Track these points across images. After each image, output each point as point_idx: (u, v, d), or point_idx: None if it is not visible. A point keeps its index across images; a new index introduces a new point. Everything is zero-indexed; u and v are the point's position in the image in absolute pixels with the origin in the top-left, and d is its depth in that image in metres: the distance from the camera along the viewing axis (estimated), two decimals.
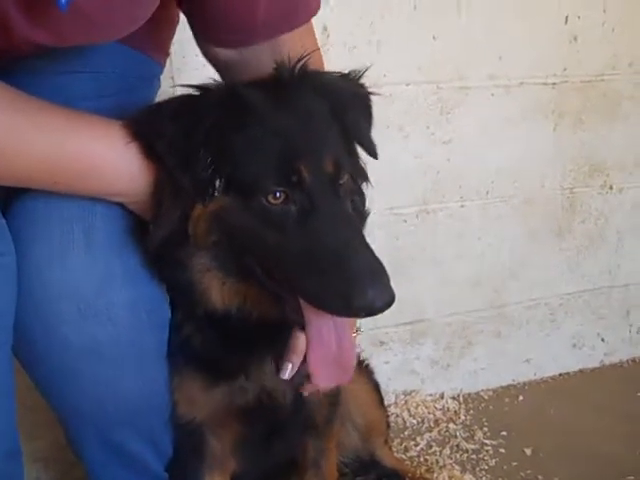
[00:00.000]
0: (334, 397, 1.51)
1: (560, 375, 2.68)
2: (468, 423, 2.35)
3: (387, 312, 2.28)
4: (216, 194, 1.13)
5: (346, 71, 1.30)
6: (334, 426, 1.56)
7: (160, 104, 1.21)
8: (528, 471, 2.09)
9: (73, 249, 1.19)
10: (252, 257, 1.17)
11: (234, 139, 1.14)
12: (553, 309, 2.63)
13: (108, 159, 1.13)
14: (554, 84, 2.41)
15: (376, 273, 1.09)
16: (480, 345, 2.52)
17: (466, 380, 2.51)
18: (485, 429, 2.30)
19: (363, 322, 2.22)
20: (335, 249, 1.09)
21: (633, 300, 2.78)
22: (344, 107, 1.24)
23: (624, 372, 2.74)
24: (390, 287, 1.09)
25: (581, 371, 2.71)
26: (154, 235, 1.15)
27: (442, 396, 2.47)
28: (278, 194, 1.11)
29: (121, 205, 1.22)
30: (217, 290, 1.21)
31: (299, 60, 1.23)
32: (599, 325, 2.74)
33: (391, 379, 2.35)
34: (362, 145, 1.28)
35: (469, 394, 2.51)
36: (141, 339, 1.26)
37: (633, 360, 2.81)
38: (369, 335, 2.32)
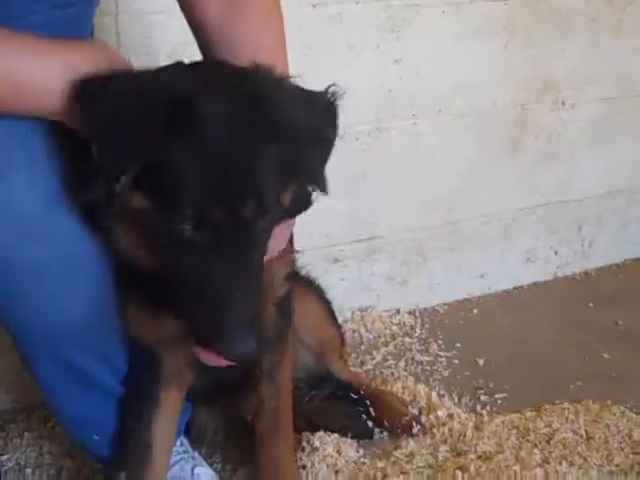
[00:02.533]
0: (284, 311, 1.54)
1: (514, 288, 2.74)
2: (424, 337, 2.41)
3: (342, 229, 2.34)
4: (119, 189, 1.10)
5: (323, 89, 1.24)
6: (286, 339, 1.59)
7: (114, 79, 1.13)
8: (480, 380, 2.17)
9: (14, 170, 1.18)
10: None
11: (169, 147, 1.08)
12: (507, 224, 2.68)
13: (38, 77, 1.12)
14: (505, 0, 2.40)
15: (242, 327, 1.09)
16: (435, 260, 2.57)
17: (421, 295, 2.57)
18: (440, 342, 2.37)
19: (317, 238, 2.30)
20: (218, 293, 1.09)
21: (585, 214, 2.84)
22: (299, 145, 1.17)
23: (576, 284, 2.82)
24: (251, 341, 1.10)
25: (534, 284, 2.78)
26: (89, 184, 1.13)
27: (398, 311, 2.52)
28: (188, 224, 1.09)
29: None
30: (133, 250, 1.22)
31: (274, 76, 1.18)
32: (552, 239, 2.80)
33: (347, 295, 2.39)
34: (312, 184, 1.25)
35: (425, 309, 2.57)
36: (85, 258, 1.27)
37: (585, 272, 2.88)
38: (323, 252, 2.35)
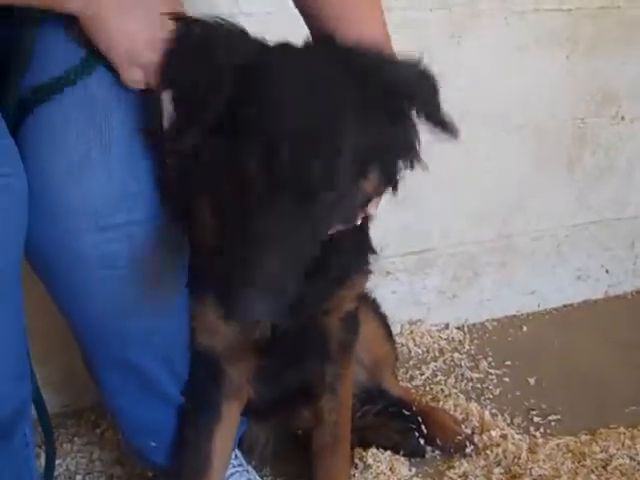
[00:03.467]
0: (350, 325, 1.52)
1: (564, 306, 2.69)
2: (473, 353, 2.37)
3: (394, 241, 2.30)
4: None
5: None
6: (351, 352, 1.57)
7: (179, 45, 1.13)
8: (532, 400, 2.12)
9: (90, 165, 1.18)
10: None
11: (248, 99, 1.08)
12: (559, 241, 2.62)
13: None
14: (569, 10, 2.35)
15: (255, 288, 1.01)
16: (486, 276, 2.53)
17: (471, 310, 2.52)
18: (489, 359, 2.32)
19: None
20: (250, 247, 1.03)
21: (639, 232, 2.78)
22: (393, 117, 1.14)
23: (627, 303, 2.76)
24: (261, 307, 1.02)
25: (585, 302, 2.72)
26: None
27: (447, 326, 2.48)
28: (254, 159, 1.05)
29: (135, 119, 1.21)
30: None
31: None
32: (604, 257, 2.74)
33: (397, 308, 2.35)
34: (406, 160, 1.20)
35: (474, 324, 2.52)
36: (157, 257, 1.27)
37: (637, 291, 2.82)
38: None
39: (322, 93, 1.10)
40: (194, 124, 1.09)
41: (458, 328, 2.49)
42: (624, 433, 1.97)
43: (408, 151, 1.19)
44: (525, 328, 2.55)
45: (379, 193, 1.26)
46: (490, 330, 2.52)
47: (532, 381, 2.21)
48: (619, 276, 2.79)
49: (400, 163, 1.21)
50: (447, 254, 2.45)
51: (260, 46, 1.16)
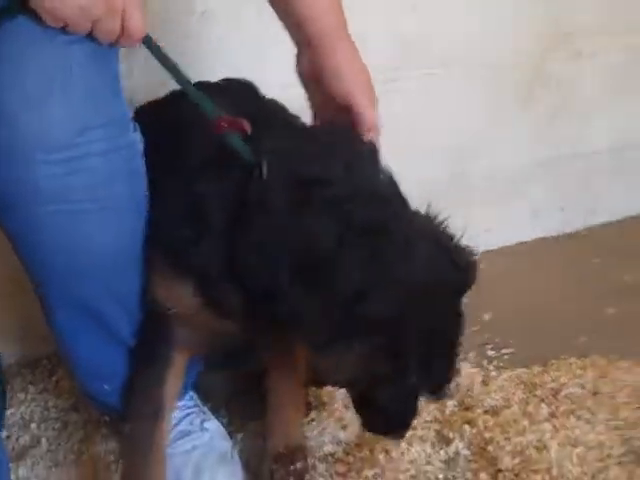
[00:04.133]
0: None
1: (519, 243, 2.72)
2: None
3: None
4: None
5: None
6: None
7: None
8: (486, 335, 2.16)
9: (49, 97, 1.17)
10: None
11: None
12: (514, 178, 2.64)
13: None
14: None
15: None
16: (442, 215, 2.53)
17: None
18: None
19: None
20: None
21: (595, 169, 2.81)
22: None
23: (582, 240, 2.80)
24: None
25: (540, 239, 2.75)
26: None
27: None
28: None
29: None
30: None
31: None
32: (559, 194, 2.77)
33: None
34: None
35: None
36: (117, 190, 1.28)
37: (591, 228, 2.86)
38: None
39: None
40: None
41: None
42: (575, 363, 2.02)
43: None
44: (481, 265, 2.57)
45: None
46: None
47: (487, 317, 2.25)
48: (574, 213, 2.82)
49: None
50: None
51: None
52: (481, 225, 2.62)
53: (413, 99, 2.36)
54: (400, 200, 1.36)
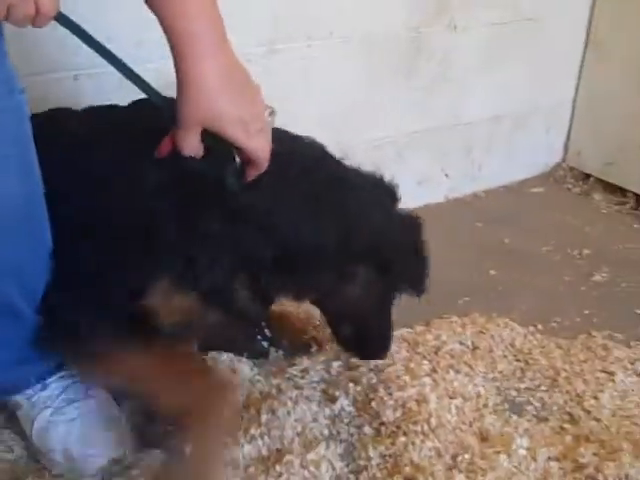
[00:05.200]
0: None
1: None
2: None
3: None
4: None
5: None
6: None
7: None
8: None
9: None
10: None
11: None
12: (399, 147, 2.71)
13: None
14: None
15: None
16: None
17: None
18: None
19: None
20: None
21: (475, 138, 2.91)
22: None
23: (465, 205, 2.91)
24: None
25: (426, 206, 2.83)
26: None
27: None
28: None
29: None
30: None
31: None
32: (443, 162, 2.86)
33: None
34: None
35: None
36: (5, 152, 1.28)
37: (475, 194, 2.97)
38: None
39: None
40: None
41: None
42: (456, 321, 2.11)
43: None
44: None
45: None
46: None
47: None
48: (458, 180, 2.92)
49: None
50: None
51: None
52: None
53: (294, 72, 2.39)
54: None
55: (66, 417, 1.56)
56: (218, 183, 1.38)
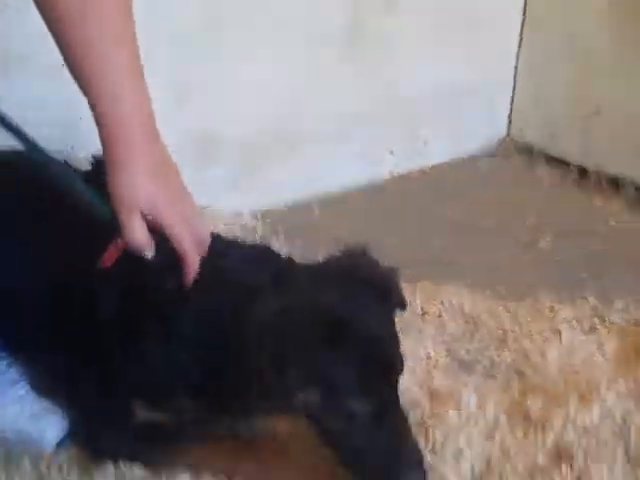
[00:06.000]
0: None
1: (350, 188, 2.80)
2: (266, 238, 2.42)
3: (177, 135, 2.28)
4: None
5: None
6: None
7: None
8: None
9: None
10: None
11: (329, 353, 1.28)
12: (343, 124, 2.72)
13: None
14: None
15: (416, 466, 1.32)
16: (274, 163, 2.58)
17: (261, 196, 2.57)
18: (281, 242, 2.39)
19: None
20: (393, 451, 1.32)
21: (419, 114, 2.93)
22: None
23: (411, 182, 2.92)
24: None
25: (371, 183, 2.84)
26: None
27: (240, 214, 2.52)
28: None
29: None
30: None
31: None
32: (387, 138, 2.88)
33: None
34: None
35: (266, 211, 2.58)
36: None
37: (421, 170, 2.99)
38: None
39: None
40: None
41: (251, 215, 2.54)
42: (404, 288, 2.10)
43: None
44: (316, 211, 2.64)
45: None
46: (281, 214, 2.58)
47: (321, 258, 2.29)
48: (403, 156, 2.94)
49: None
50: (232, 144, 2.49)
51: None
52: (313, 172, 2.69)
53: (236, 54, 2.38)
54: None
55: (15, 396, 1.54)
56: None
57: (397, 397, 1.34)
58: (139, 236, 1.27)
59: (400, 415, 1.34)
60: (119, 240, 1.30)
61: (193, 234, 1.31)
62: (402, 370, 1.36)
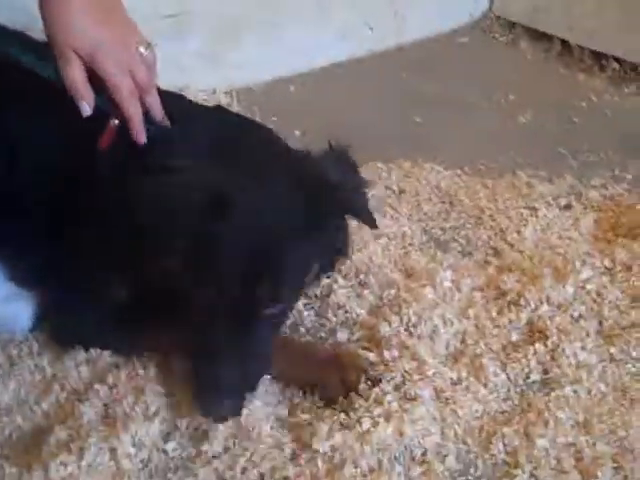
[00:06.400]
0: None
1: (331, 65, 2.72)
2: (242, 112, 2.35)
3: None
4: None
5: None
6: None
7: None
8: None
9: None
10: None
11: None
12: (321, 1, 2.61)
13: None
14: None
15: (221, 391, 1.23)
16: (250, 37, 2.49)
17: (237, 74, 2.49)
18: (257, 118, 2.33)
19: None
20: (212, 356, 1.23)
21: None
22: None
23: (390, 59, 2.83)
24: (228, 408, 1.25)
25: (350, 60, 2.76)
26: None
27: (214, 91, 2.45)
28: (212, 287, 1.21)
29: None
30: None
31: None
32: (366, 14, 2.77)
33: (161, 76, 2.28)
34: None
35: (241, 88, 2.50)
36: None
37: (399, 48, 2.89)
38: None
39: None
40: None
41: (226, 92, 2.46)
42: (381, 167, 2.10)
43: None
44: (292, 88, 2.57)
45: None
46: (257, 92, 2.52)
47: (298, 133, 2.25)
48: (382, 33, 2.84)
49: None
50: (207, 16, 2.38)
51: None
52: (292, 48, 2.59)
53: None
54: None
55: None
56: None
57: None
58: (75, 85, 1.22)
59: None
60: (113, 121, 1.27)
61: (135, 82, 1.27)
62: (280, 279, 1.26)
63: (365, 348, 1.45)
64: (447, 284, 1.62)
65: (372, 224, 1.39)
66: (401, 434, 1.26)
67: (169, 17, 2.30)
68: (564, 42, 2.84)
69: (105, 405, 1.34)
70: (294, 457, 1.25)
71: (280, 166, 1.33)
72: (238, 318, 1.23)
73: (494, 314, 1.55)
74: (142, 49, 1.31)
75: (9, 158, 1.39)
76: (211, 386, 1.24)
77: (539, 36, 2.93)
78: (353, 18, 2.74)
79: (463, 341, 1.49)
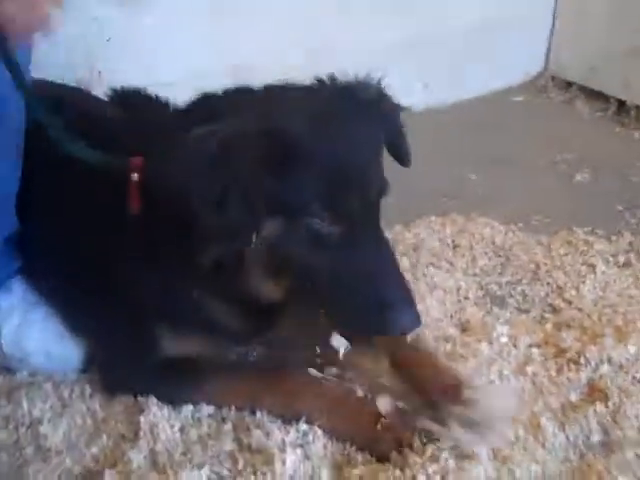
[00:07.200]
0: None
1: None
2: None
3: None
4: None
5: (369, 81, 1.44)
6: None
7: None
8: None
9: None
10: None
11: (280, 176, 1.17)
12: (378, 61, 2.61)
13: None
14: None
15: (406, 301, 1.21)
16: None
17: None
18: None
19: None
20: (372, 276, 1.20)
21: (456, 47, 2.84)
22: (384, 127, 1.39)
23: (447, 114, 2.82)
24: (417, 314, 1.23)
25: (408, 113, 2.74)
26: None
27: None
28: (325, 217, 1.19)
29: None
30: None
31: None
32: (422, 70, 2.79)
33: None
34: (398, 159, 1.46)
35: None
36: None
37: (456, 103, 2.88)
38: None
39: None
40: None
41: None
42: (434, 221, 2.08)
43: None
44: None
45: None
46: None
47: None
48: (437, 89, 2.85)
49: None
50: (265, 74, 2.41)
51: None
52: None
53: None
54: None
55: (38, 317, 1.53)
56: None
57: (376, 217, 1.28)
58: None
59: (382, 238, 1.28)
60: (132, 176, 1.32)
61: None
62: (384, 189, 1.29)
63: None
64: (504, 339, 1.59)
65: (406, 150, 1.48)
66: None
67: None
68: (620, 101, 2.82)
69: (152, 450, 1.32)
70: None
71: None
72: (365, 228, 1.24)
73: (553, 372, 1.50)
74: None
75: None
76: (402, 300, 1.22)
77: (595, 95, 2.92)
78: (409, 73, 2.75)
79: (521, 399, 1.44)
